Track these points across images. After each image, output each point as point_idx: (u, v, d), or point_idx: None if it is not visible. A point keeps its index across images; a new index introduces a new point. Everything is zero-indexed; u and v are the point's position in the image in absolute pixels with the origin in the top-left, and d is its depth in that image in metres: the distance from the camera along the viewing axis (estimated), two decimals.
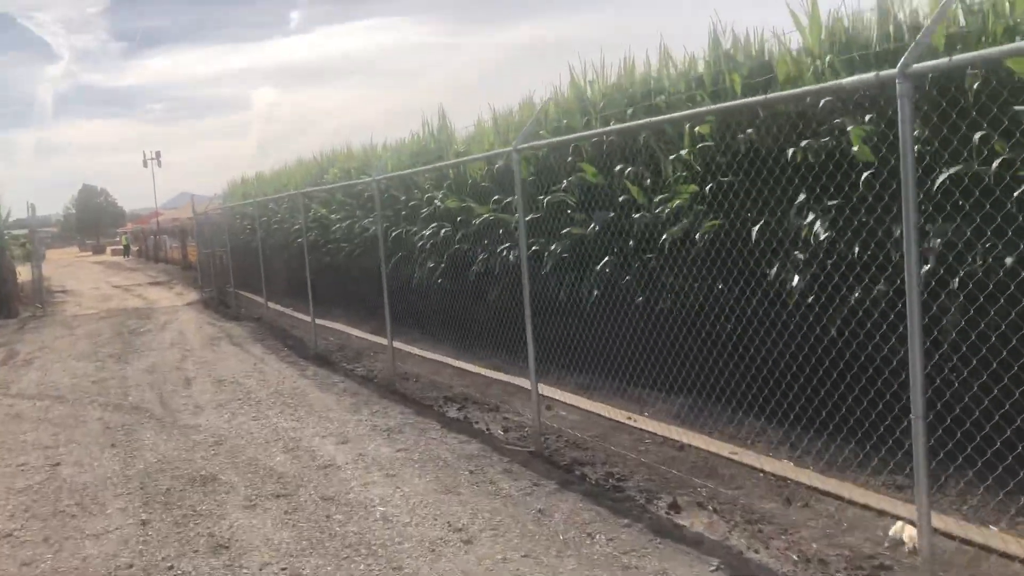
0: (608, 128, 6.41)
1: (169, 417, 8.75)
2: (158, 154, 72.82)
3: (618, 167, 8.97)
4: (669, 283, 8.14)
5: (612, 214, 9.04)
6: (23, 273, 27.42)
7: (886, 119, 6.19)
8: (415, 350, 11.95)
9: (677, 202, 7.95)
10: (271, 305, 17.74)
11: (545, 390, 8.68)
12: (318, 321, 13.61)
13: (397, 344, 10.78)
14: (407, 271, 13.74)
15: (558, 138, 6.82)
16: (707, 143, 7.83)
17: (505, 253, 11.03)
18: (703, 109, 5.72)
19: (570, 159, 9.94)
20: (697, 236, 7.60)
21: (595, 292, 9.16)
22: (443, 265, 12.83)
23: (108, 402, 9.72)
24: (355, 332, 14.34)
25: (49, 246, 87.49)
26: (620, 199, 8.91)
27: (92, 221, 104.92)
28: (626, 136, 8.92)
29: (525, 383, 9.00)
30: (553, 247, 9.81)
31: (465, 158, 10.12)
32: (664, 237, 7.99)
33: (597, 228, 9.07)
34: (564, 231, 9.53)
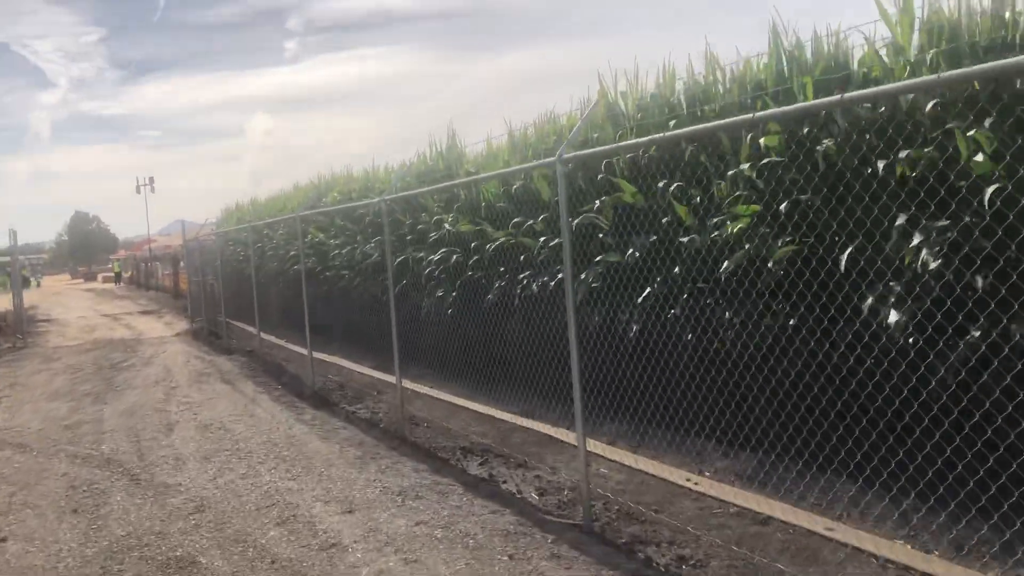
0: (689, 129, 5.17)
1: (145, 473, 7.55)
2: (151, 180, 71.79)
3: (661, 184, 7.87)
4: (729, 318, 7.01)
5: (654, 238, 7.94)
6: (4, 302, 26.16)
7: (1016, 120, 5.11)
8: (425, 390, 10.77)
9: (739, 225, 6.83)
10: (264, 336, 16.55)
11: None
12: (316, 355, 12.43)
13: (406, 383, 9.60)
14: (413, 300, 12.59)
15: (616, 144, 5.66)
16: (774, 158, 6.74)
17: (526, 282, 9.91)
18: (813, 103, 4.57)
19: (601, 176, 8.85)
20: (770, 264, 6.46)
21: (634, 327, 8.03)
22: (454, 294, 11.71)
23: (78, 452, 8.51)
24: (356, 368, 13.16)
25: (43, 273, 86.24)
26: (664, 221, 7.82)
27: (84, 248, 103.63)
28: (667, 148, 7.84)
29: (564, 435, 7.85)
30: (584, 275, 8.69)
31: (490, 173, 8.93)
32: (725, 265, 6.86)
33: (637, 254, 7.95)
34: (598, 258, 8.39)
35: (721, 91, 7.82)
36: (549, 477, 6.82)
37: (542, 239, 9.68)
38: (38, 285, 73.89)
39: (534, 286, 9.69)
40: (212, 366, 14.53)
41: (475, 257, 11.17)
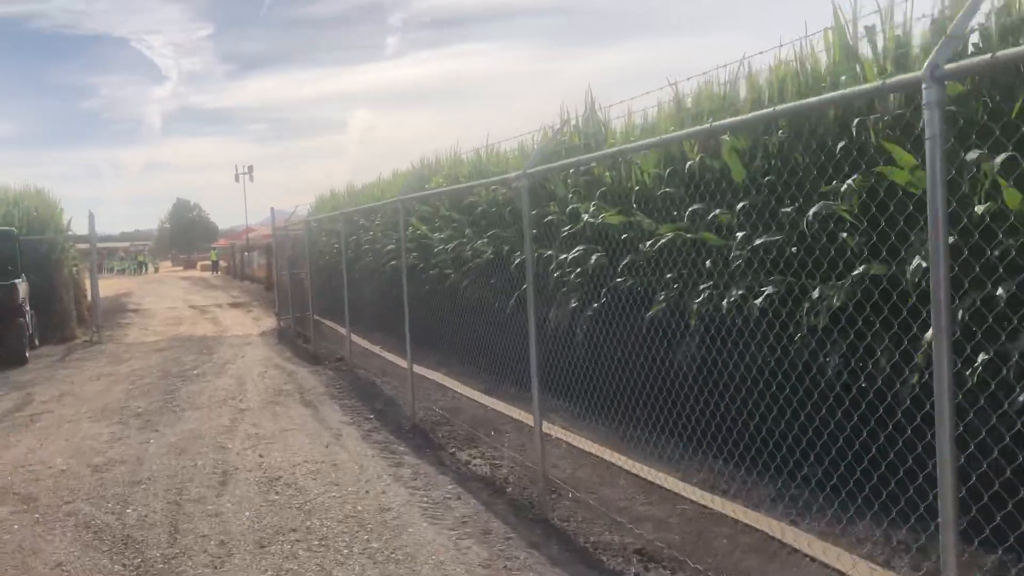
0: None
1: (170, 572, 5.10)
2: (250, 168, 71.04)
3: (972, 154, 4.99)
4: None
5: (953, 239, 5.06)
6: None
7: None
8: (566, 435, 8.03)
9: None
10: (355, 340, 14.18)
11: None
12: (417, 369, 9.94)
13: (548, 428, 6.90)
14: (536, 311, 9.99)
15: None
16: None
17: (709, 294, 7.14)
18: None
19: (843, 145, 6.00)
20: None
21: (913, 379, 5.18)
22: (595, 305, 9.01)
23: (92, 518, 6.14)
24: (466, 392, 10.58)
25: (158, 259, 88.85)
26: (977, 212, 4.94)
27: (185, 235, 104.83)
28: None
29: (814, 548, 4.96)
30: (815, 293, 5.87)
31: (717, 123, 5.80)
32: None
33: (923, 265, 5.10)
34: (857, 270, 5.55)
35: None
36: None
37: (739, 235, 6.90)
38: (156, 270, 76.39)
39: (724, 302, 6.90)
40: (293, 380, 12.20)
41: (628, 258, 8.45)
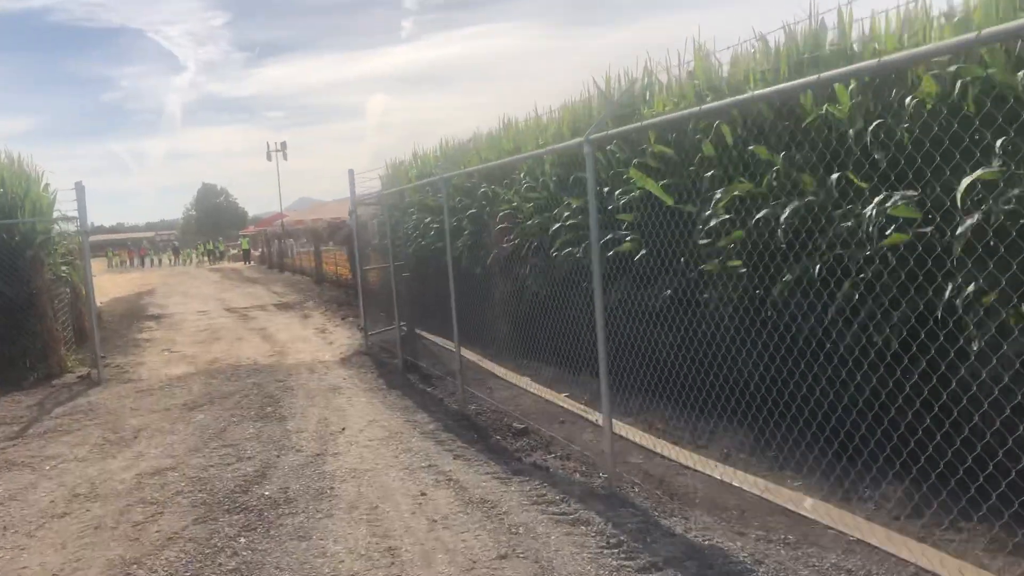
0: None
1: None
2: (283, 145, 64.32)
3: None
4: None
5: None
6: (113, 285, 17.70)
7: None
8: None
9: None
10: (603, 424, 7.14)
11: None
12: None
13: None
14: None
15: None
16: None
17: None
18: None
19: None
20: None
21: None
22: None
23: None
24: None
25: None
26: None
27: (213, 222, 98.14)
28: None
29: None
30: None
31: None
32: None
33: None
34: None
35: None
36: None
37: None
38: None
39: None
40: (513, 538, 5.19)
41: None
